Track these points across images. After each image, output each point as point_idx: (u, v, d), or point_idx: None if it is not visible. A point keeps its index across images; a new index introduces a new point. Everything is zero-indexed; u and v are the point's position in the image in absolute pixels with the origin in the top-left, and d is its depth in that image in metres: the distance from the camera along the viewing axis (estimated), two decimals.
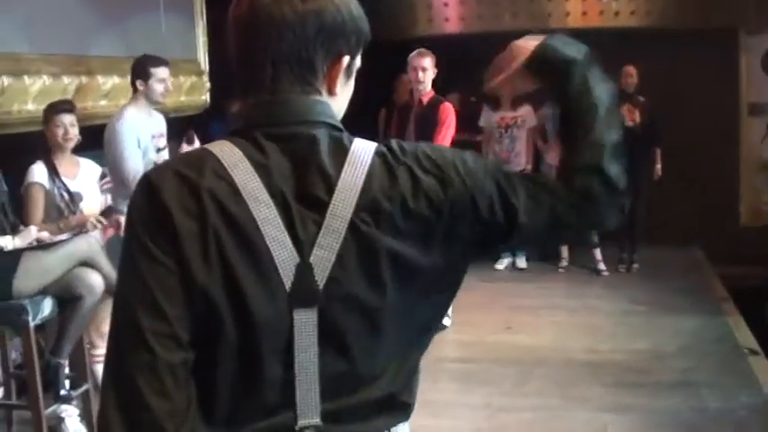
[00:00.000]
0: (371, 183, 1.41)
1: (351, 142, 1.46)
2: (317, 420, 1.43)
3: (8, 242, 4.34)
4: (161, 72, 5.21)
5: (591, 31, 8.67)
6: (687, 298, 7.26)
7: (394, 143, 1.49)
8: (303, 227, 1.39)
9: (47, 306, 4.32)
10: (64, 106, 4.92)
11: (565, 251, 8.53)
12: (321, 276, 1.39)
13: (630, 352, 6.01)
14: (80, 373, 4.70)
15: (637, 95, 8.21)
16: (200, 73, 7.46)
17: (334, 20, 1.45)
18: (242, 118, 1.49)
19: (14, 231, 4.46)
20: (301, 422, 1.43)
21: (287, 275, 1.38)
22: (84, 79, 5.79)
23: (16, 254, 4.31)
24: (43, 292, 4.33)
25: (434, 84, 6.50)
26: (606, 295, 7.52)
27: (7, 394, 4.96)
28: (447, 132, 6.30)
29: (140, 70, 5.18)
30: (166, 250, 1.37)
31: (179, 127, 5.96)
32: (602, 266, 8.33)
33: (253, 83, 1.48)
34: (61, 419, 4.86)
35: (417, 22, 9.46)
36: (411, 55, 6.42)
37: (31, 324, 4.21)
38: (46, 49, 5.35)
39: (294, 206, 1.39)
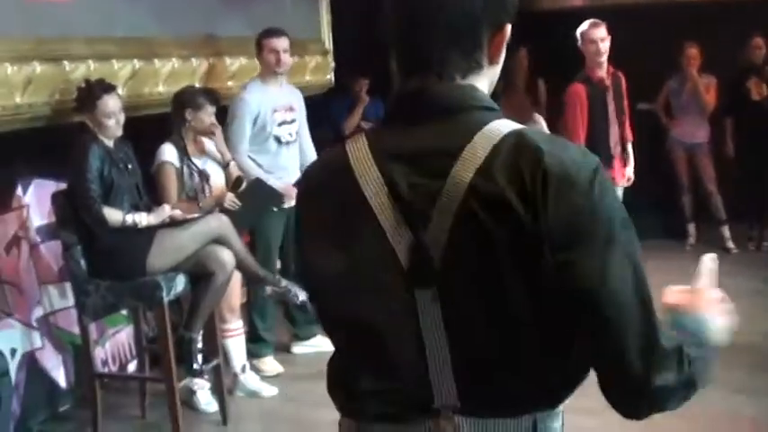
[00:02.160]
0: (492, 164, 1.36)
1: (490, 122, 1.41)
2: (453, 400, 1.43)
3: (143, 219, 4.47)
4: (272, 43, 5.37)
5: (723, 2, 8.42)
6: None
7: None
8: (419, 212, 1.39)
9: (180, 282, 4.44)
10: (212, 97, 5.06)
11: (692, 228, 8.31)
12: (437, 256, 1.38)
13: (763, 333, 5.82)
14: (211, 347, 4.81)
15: (765, 68, 7.91)
16: (324, 52, 7.51)
17: None
18: (392, 104, 1.50)
19: (148, 210, 4.58)
20: (438, 402, 1.44)
21: (404, 257, 1.40)
22: (212, 60, 5.89)
23: (150, 231, 4.44)
24: (176, 268, 4.45)
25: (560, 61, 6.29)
26: (736, 273, 7.26)
27: (141, 367, 5.13)
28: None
29: (256, 44, 5.38)
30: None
31: (306, 107, 6.02)
32: (730, 244, 8.08)
33: (413, 63, 1.47)
34: (193, 392, 5.01)
35: None
36: (584, 27, 5.98)
37: (165, 299, 4.33)
38: (175, 31, 5.46)
39: (413, 194, 1.40)
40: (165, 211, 4.58)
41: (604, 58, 5.95)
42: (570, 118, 6.05)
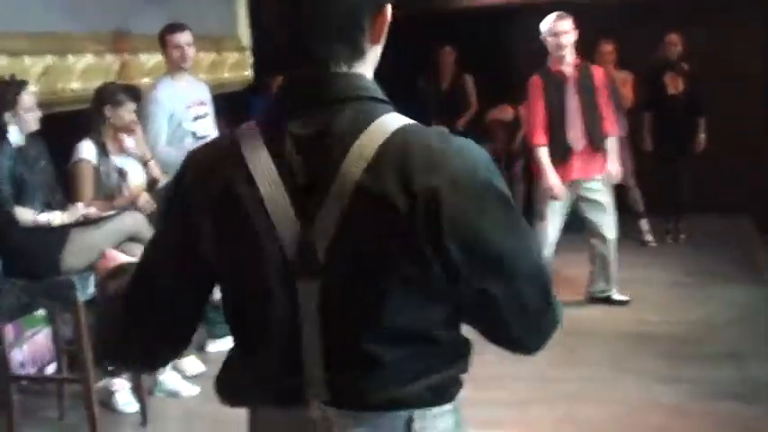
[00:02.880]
0: (380, 161, 1.37)
1: (379, 117, 1.42)
2: (322, 390, 1.46)
3: (56, 217, 4.39)
4: (175, 38, 5.34)
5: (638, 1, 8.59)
6: (736, 268, 7.13)
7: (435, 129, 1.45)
8: (309, 203, 1.40)
9: (94, 281, 4.37)
10: (133, 93, 4.99)
11: None
12: (321, 248, 1.39)
13: (681, 323, 5.94)
14: None
15: (680, 63, 8.07)
16: (241, 49, 7.47)
17: None
18: (278, 97, 1.51)
19: (62, 208, 4.50)
20: (309, 392, 1.47)
21: (290, 248, 1.41)
22: (127, 57, 5.82)
23: (64, 230, 4.37)
24: (91, 267, 4.37)
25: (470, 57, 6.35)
26: (654, 266, 7.43)
27: (59, 369, 5.04)
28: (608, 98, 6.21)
29: (159, 40, 5.36)
30: (176, 222, 1.54)
31: (223, 104, 5.99)
32: (649, 237, 8.23)
33: (298, 57, 1.47)
34: (112, 393, 4.93)
35: None
36: (549, 20, 6.01)
37: (80, 299, 4.26)
38: (89, 27, 5.38)
39: (302, 185, 1.41)
40: (79, 210, 4.50)
41: (565, 52, 6.01)
42: (528, 109, 6.27)
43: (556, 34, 5.97)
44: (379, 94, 1.47)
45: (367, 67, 1.50)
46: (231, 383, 1.59)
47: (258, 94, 7.65)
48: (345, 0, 1.43)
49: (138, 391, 4.81)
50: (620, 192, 8.08)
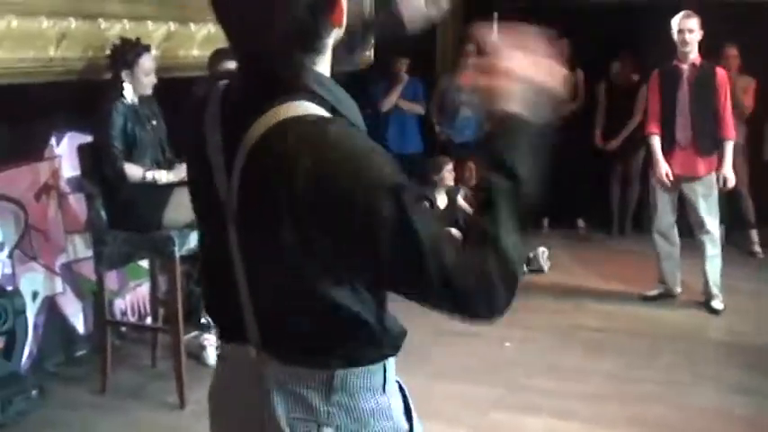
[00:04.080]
0: (267, 140, 1.47)
1: (290, 100, 1.50)
2: (257, 335, 1.59)
3: (162, 176, 4.63)
4: None
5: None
6: None
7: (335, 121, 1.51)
8: (231, 159, 1.53)
9: (193, 239, 4.58)
10: (229, 54, 5.17)
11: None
12: (235, 197, 1.53)
13: None
14: None
15: None
16: None
17: None
18: (237, 74, 1.64)
19: (169, 167, 4.74)
20: (249, 334, 1.59)
21: (222, 193, 1.57)
22: None
23: (169, 188, 4.60)
24: (191, 225, 4.59)
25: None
26: (756, 277, 7.28)
27: (155, 319, 5.30)
28: (727, 101, 6.16)
29: None
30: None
31: (345, 84, 6.12)
32: (757, 248, 8.03)
33: (253, 64, 1.59)
34: (203, 347, 5.16)
35: None
36: (678, 17, 6.14)
37: (177, 254, 4.49)
38: None
39: (230, 143, 1.54)
40: (185, 169, 4.72)
41: (687, 49, 6.10)
42: (648, 101, 6.48)
43: (681, 31, 6.08)
44: (310, 83, 1.53)
45: (323, 59, 1.56)
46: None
47: (377, 76, 7.75)
48: (297, 15, 1.48)
49: None
50: (731, 199, 7.97)
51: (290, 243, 1.46)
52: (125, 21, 4.92)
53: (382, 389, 1.63)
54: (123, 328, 5.43)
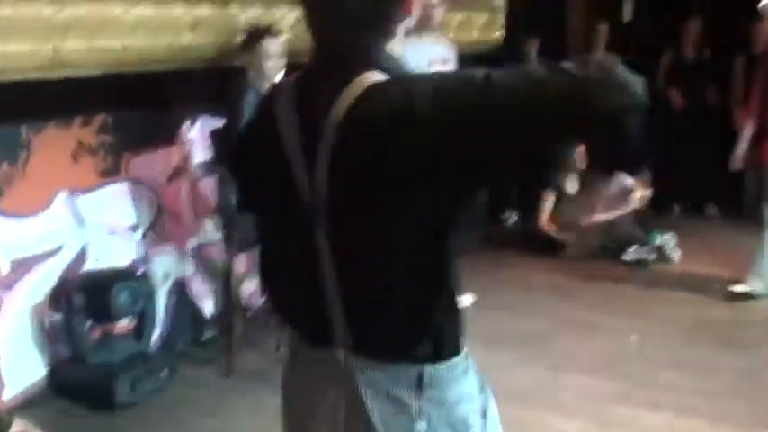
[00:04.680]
0: (356, 108, 1.53)
1: (360, 75, 1.56)
2: (348, 337, 1.65)
3: None
4: None
5: None
6: None
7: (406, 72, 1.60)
8: (314, 148, 1.58)
9: None
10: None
11: None
12: (323, 185, 1.58)
13: None
14: None
15: None
16: (493, 10, 7.49)
17: None
18: (312, 61, 1.71)
19: None
20: (336, 337, 1.66)
21: (304, 188, 1.62)
22: None
23: None
24: None
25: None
26: None
27: None
28: None
29: None
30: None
31: (473, 64, 6.07)
32: None
33: (328, 45, 1.66)
34: None
35: None
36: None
37: None
38: None
39: (309, 133, 1.60)
40: None
41: None
42: None
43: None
44: (378, 60, 1.60)
45: (395, 40, 1.66)
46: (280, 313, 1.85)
47: (508, 57, 7.65)
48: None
49: None
50: None
51: (391, 210, 1.52)
52: (257, 6, 4.96)
53: (463, 375, 1.71)
54: (249, 313, 5.51)
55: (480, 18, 7.30)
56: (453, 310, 1.66)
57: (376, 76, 1.55)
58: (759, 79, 6.27)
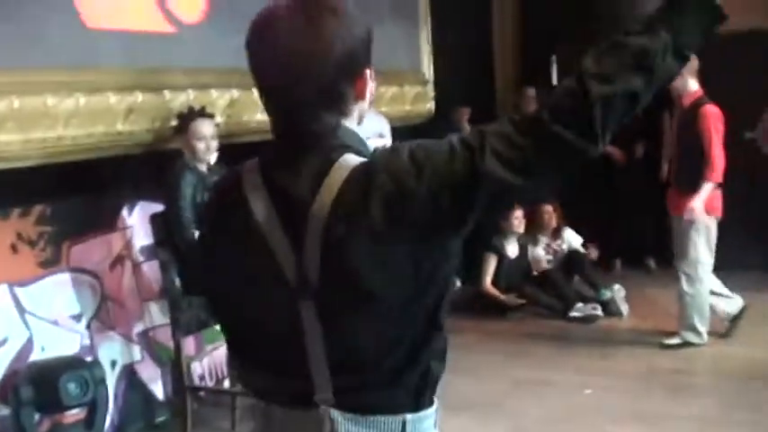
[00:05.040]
0: (343, 196, 1.58)
1: (337, 160, 1.62)
2: (329, 395, 1.65)
3: None
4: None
5: None
6: None
7: (378, 151, 1.66)
8: (299, 235, 1.61)
9: None
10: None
11: None
12: (313, 274, 1.60)
13: None
14: None
15: None
16: (424, 82, 7.64)
17: (351, 43, 1.64)
18: (274, 145, 1.72)
19: None
20: (317, 396, 1.66)
21: (289, 272, 1.63)
22: None
23: None
24: None
25: None
26: None
27: (232, 383, 5.33)
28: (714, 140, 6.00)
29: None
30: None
31: (407, 136, 6.16)
32: None
33: (287, 120, 1.69)
34: None
35: None
36: None
37: None
38: None
39: (290, 218, 1.63)
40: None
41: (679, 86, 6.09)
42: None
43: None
44: (345, 141, 1.67)
45: (351, 119, 1.71)
46: (245, 382, 1.89)
47: (439, 126, 7.76)
48: (326, 80, 1.63)
49: None
50: None
51: (386, 284, 1.58)
52: (189, 91, 5.01)
53: (434, 426, 1.76)
54: (202, 393, 5.47)
55: (412, 90, 7.42)
56: (437, 359, 1.71)
57: (353, 160, 1.62)
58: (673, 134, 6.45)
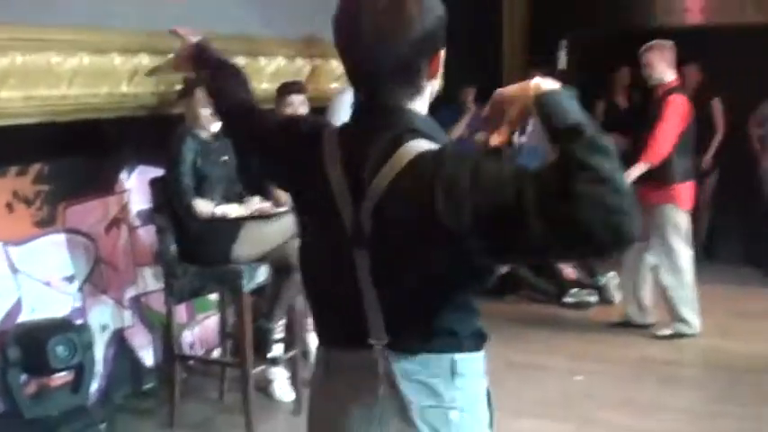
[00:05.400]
0: (404, 173, 1.71)
1: (406, 142, 1.74)
2: (383, 336, 1.81)
3: (232, 211, 4.64)
4: None
5: None
6: None
7: (450, 146, 1.77)
8: (359, 192, 1.77)
9: (261, 273, 4.60)
10: (295, 87, 5.20)
11: None
12: (367, 225, 1.76)
13: None
14: (291, 338, 4.96)
15: None
16: None
17: (429, 24, 1.77)
18: (354, 115, 1.91)
19: (240, 202, 4.75)
20: (372, 338, 1.81)
21: (347, 223, 1.80)
22: (317, 62, 6.05)
23: (238, 222, 4.61)
24: (260, 259, 4.60)
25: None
26: None
27: (223, 353, 5.31)
28: (665, 126, 6.05)
29: None
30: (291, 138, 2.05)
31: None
32: None
33: (367, 90, 1.85)
34: (271, 381, 5.16)
35: (655, 12, 9.18)
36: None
37: (245, 288, 4.50)
38: (280, 32, 5.63)
39: (356, 185, 1.78)
40: (254, 204, 4.74)
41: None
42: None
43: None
44: (417, 125, 1.79)
45: (423, 100, 1.85)
46: (316, 326, 2.02)
47: (446, 106, 7.73)
48: (408, 52, 1.75)
49: (295, 381, 5.00)
50: None
51: (429, 254, 1.71)
52: None
53: (483, 374, 1.90)
54: (191, 362, 5.44)
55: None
56: (477, 309, 1.86)
57: (422, 145, 1.73)
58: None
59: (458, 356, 1.82)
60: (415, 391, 1.80)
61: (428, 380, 1.80)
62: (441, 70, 1.84)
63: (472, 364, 1.85)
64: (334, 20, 1.82)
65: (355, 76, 1.83)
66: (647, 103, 7.68)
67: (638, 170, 5.90)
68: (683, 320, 6.25)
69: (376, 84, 1.79)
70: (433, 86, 1.86)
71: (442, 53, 1.82)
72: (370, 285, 1.78)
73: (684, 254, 6.21)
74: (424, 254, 1.72)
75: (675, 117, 6.01)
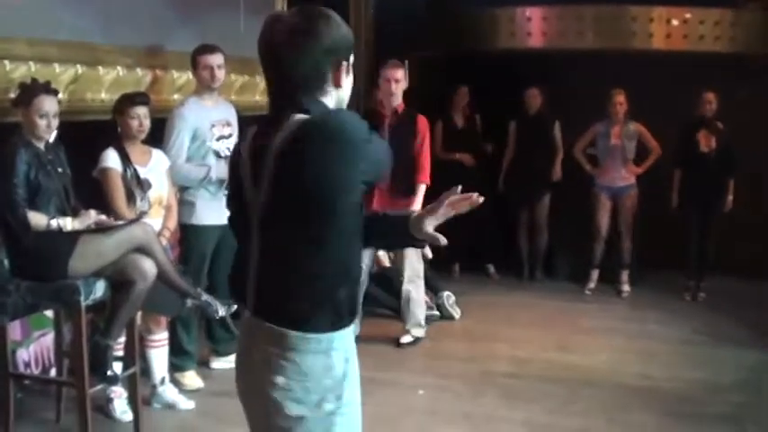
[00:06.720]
0: (289, 143, 2.21)
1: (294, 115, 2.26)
2: (252, 305, 2.37)
3: (67, 224, 4.48)
4: (206, 59, 5.48)
5: (673, 54, 8.62)
6: (751, 332, 7.04)
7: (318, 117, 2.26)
8: (260, 170, 2.28)
9: (99, 288, 4.45)
10: (140, 98, 5.07)
11: (595, 274, 8.54)
12: (260, 199, 2.30)
13: (684, 381, 5.90)
14: (129, 356, 4.82)
15: (714, 121, 8.08)
16: None
17: (334, 41, 2.29)
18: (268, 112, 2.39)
19: (75, 214, 4.59)
20: (248, 303, 2.39)
21: (250, 196, 2.33)
22: (158, 72, 5.93)
23: (74, 235, 4.45)
24: (97, 274, 4.45)
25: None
26: (668, 322, 7.39)
27: (59, 372, 5.12)
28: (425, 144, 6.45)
29: (191, 60, 5.48)
30: None
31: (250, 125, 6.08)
32: (625, 288, 8.41)
33: (277, 97, 2.36)
34: (109, 400, 5.00)
35: (499, 35, 9.41)
36: (385, 66, 6.54)
37: (83, 304, 4.34)
38: (120, 40, 5.49)
39: (261, 160, 2.27)
40: (91, 217, 4.59)
41: (394, 98, 6.50)
42: None
43: (387, 80, 6.52)
44: (312, 107, 2.26)
45: (329, 99, 2.32)
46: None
47: None
48: (312, 67, 2.25)
49: (134, 400, 4.86)
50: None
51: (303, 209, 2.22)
52: (31, 63, 4.78)
53: (324, 354, 2.31)
54: (27, 381, 5.21)
55: (263, 81, 7.30)
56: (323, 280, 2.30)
57: (303, 117, 2.23)
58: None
59: (292, 333, 2.28)
60: (260, 355, 2.34)
61: (268, 348, 2.32)
62: (349, 84, 2.34)
63: (311, 343, 2.30)
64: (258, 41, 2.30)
65: (269, 82, 2.32)
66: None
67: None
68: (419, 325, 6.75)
69: (285, 88, 2.27)
70: (339, 95, 2.33)
71: (346, 66, 2.31)
72: (257, 255, 2.37)
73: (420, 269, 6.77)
74: (301, 210, 2.24)
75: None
